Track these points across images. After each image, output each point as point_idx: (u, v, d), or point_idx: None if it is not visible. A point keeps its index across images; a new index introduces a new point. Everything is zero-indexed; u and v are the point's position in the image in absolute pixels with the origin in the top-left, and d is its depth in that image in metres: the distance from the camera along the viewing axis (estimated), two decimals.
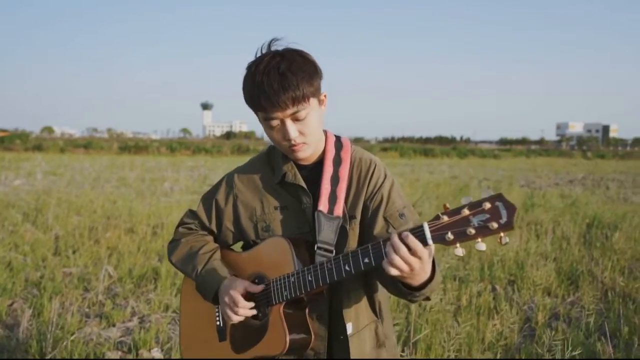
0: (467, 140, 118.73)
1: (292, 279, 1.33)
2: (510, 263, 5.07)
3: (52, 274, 4.65)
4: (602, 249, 5.63)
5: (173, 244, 1.59)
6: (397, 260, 1.14)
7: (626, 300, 4.07)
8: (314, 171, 1.45)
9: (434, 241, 1.13)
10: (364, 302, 1.45)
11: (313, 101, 1.35)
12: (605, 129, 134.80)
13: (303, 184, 1.43)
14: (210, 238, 1.57)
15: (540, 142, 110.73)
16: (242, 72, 1.38)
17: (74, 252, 5.51)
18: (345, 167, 1.44)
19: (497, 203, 1.07)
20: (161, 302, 4.03)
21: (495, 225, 1.07)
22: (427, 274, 1.21)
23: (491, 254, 5.47)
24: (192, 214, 1.60)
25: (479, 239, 1.09)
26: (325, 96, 1.41)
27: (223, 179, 1.57)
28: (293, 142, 1.35)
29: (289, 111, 1.31)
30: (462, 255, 1.10)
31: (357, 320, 1.42)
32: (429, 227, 1.14)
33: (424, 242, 1.14)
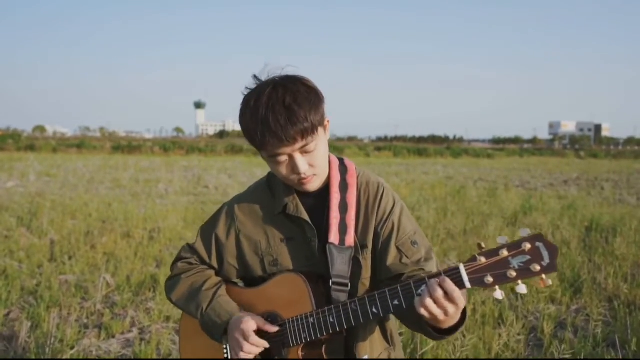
0: (460, 139, 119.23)
1: (312, 320, 1.25)
2: None
3: (49, 282, 4.56)
4: (603, 255, 5.61)
5: (172, 281, 1.47)
6: (431, 304, 1.08)
7: (631, 309, 4.05)
8: (319, 198, 1.35)
9: (472, 284, 1.07)
10: (377, 332, 1.39)
11: (320, 130, 1.26)
12: (598, 127, 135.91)
13: (306, 217, 1.33)
14: (211, 272, 1.46)
15: (533, 141, 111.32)
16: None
17: (70, 258, 5.42)
18: (353, 192, 1.35)
19: (538, 244, 1.04)
20: (161, 312, 3.96)
21: (537, 267, 1.03)
22: (457, 318, 1.15)
23: None
24: (190, 248, 1.48)
25: (519, 281, 1.05)
26: (328, 121, 1.31)
27: (222, 210, 1.46)
28: (303, 176, 1.26)
29: (298, 145, 1.22)
30: (501, 298, 1.06)
31: (371, 351, 1.37)
32: (466, 269, 1.08)
33: (461, 285, 1.08)
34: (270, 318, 1.32)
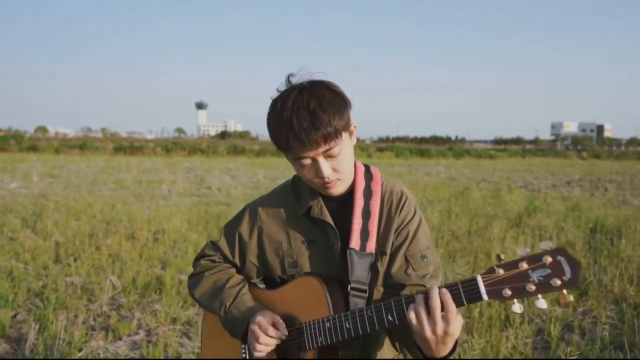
0: (462, 140, 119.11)
1: (328, 325, 1.24)
2: None
3: (55, 284, 4.56)
4: (608, 257, 5.60)
5: (195, 278, 1.48)
6: (421, 313, 1.09)
7: (639, 311, 4.03)
8: (342, 203, 1.36)
9: (490, 297, 1.05)
10: (387, 340, 1.39)
11: (345, 135, 1.26)
12: (600, 128, 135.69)
13: (330, 221, 1.33)
14: (234, 271, 1.47)
15: (535, 141, 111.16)
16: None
17: (75, 260, 5.42)
18: (377, 199, 1.35)
19: (559, 258, 1.01)
20: (167, 313, 3.96)
21: (558, 282, 1.00)
22: (444, 349, 1.13)
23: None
24: (213, 245, 1.49)
25: (539, 296, 1.03)
26: (355, 127, 1.31)
27: (246, 210, 1.48)
28: (326, 180, 1.26)
29: (321, 149, 1.22)
30: (520, 312, 1.04)
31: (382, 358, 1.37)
32: (483, 281, 1.06)
33: (478, 297, 1.07)
34: (288, 321, 1.33)
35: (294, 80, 1.28)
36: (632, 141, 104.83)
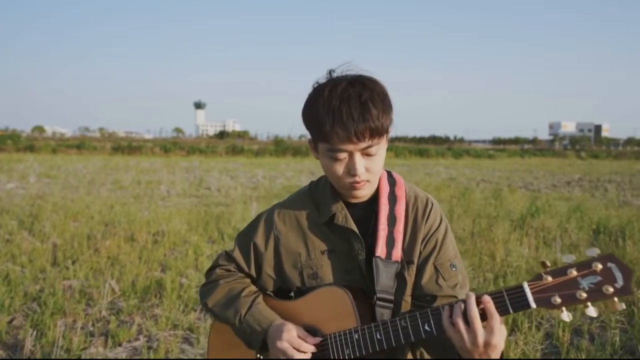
0: (461, 140, 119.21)
1: (356, 336, 1.18)
2: (524, 273, 4.96)
3: (52, 288, 4.47)
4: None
5: (208, 286, 1.41)
6: (460, 322, 1.04)
7: None
8: (366, 210, 1.30)
9: (538, 304, 1.01)
10: (409, 354, 1.33)
11: (385, 137, 1.21)
12: (598, 128, 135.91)
13: (355, 229, 1.27)
14: (249, 281, 1.41)
15: (534, 141, 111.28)
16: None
17: (73, 263, 5.33)
18: (402, 205, 1.30)
19: (610, 264, 0.98)
20: (168, 318, 3.88)
21: (610, 289, 0.97)
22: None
23: (502, 263, 5.37)
24: (228, 256, 1.42)
25: (589, 304, 0.99)
26: (391, 130, 1.25)
27: (260, 218, 1.40)
28: (357, 179, 1.20)
29: (363, 144, 1.16)
30: (569, 320, 1.00)
31: None
32: (530, 288, 1.02)
33: (525, 305, 1.02)
34: (310, 332, 1.26)
35: (336, 75, 1.23)
36: (630, 141, 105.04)
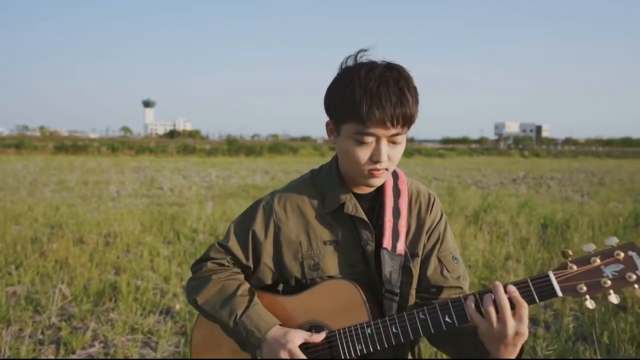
0: (412, 140, 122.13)
1: (369, 331, 1.15)
2: (481, 267, 5.12)
3: None
4: (561, 251, 5.81)
5: (197, 281, 1.30)
6: (491, 311, 1.04)
7: (599, 304, 4.18)
8: (372, 201, 1.28)
9: (564, 293, 1.04)
10: (408, 347, 1.33)
11: (410, 128, 1.19)
12: (539, 128, 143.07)
13: (365, 217, 1.24)
14: (243, 277, 1.31)
15: (480, 141, 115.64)
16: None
17: (17, 268, 5.00)
18: (405, 199, 1.29)
19: (631, 253, 1.03)
20: (125, 322, 3.70)
21: (633, 276, 1.02)
22: (519, 347, 1.07)
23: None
24: (221, 247, 1.31)
25: (611, 291, 1.04)
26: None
27: (258, 205, 1.32)
28: (379, 166, 1.17)
29: (394, 131, 1.14)
30: (592, 308, 1.04)
31: None
32: (556, 277, 1.05)
33: (552, 294, 1.04)
34: (314, 329, 1.21)
35: (363, 59, 1.19)
36: (568, 141, 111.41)
